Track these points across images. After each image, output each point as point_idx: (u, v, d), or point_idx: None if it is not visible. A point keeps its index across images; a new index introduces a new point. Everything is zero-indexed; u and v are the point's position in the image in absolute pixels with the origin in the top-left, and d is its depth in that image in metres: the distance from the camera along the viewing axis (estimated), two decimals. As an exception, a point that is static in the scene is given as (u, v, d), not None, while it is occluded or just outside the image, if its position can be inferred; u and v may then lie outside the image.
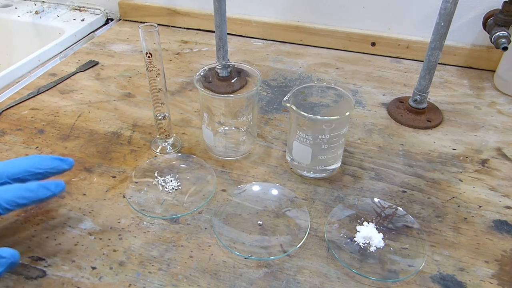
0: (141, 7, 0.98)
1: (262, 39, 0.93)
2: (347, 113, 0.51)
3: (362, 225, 0.50)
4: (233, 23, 0.92)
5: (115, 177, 0.57)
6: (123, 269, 0.45)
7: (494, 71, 0.79)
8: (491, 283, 0.45)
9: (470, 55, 0.82)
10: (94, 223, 0.50)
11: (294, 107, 0.51)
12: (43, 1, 1.07)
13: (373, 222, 0.50)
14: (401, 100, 0.72)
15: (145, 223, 0.51)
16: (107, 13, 1.03)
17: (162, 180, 0.56)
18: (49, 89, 0.75)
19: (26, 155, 0.60)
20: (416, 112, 0.68)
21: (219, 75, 0.72)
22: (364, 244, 0.48)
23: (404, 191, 0.55)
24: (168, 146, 0.62)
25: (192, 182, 0.56)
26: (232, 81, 0.72)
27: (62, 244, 0.48)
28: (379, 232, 0.49)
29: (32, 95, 0.73)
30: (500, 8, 0.71)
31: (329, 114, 0.56)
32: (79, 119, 0.68)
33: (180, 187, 0.55)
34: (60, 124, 0.67)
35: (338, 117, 0.51)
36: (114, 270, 0.45)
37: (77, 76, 0.80)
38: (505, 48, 0.68)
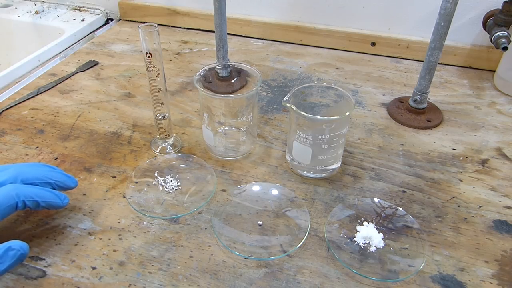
0: (141, 7, 0.98)
1: (262, 39, 0.93)
2: (347, 113, 0.51)
3: (362, 225, 0.50)
4: (233, 23, 0.92)
5: (115, 177, 0.57)
6: (123, 269, 0.45)
7: (494, 71, 0.79)
8: (491, 283, 0.45)
9: (470, 55, 0.82)
10: (94, 223, 0.50)
11: (294, 107, 0.51)
12: (43, 1, 1.07)
13: (373, 222, 0.50)
14: (401, 100, 0.72)
15: (145, 223, 0.51)
16: (107, 13, 1.03)
17: (162, 180, 0.56)
18: (49, 89, 0.75)
19: (26, 155, 0.60)
20: (416, 112, 0.68)
21: (219, 75, 0.72)
22: (364, 244, 0.48)
23: (404, 191, 0.55)
24: (168, 146, 0.62)
25: (192, 182, 0.56)
26: (232, 81, 0.72)
27: (62, 244, 0.48)
28: (379, 232, 0.49)
29: (32, 95, 0.73)
30: (500, 8, 0.71)
31: (329, 114, 0.56)
32: (79, 119, 0.68)
33: (180, 187, 0.55)
34: (60, 124, 0.67)
35: (338, 117, 0.51)
36: (114, 270, 0.45)
37: (77, 76, 0.80)
38: (505, 48, 0.68)
